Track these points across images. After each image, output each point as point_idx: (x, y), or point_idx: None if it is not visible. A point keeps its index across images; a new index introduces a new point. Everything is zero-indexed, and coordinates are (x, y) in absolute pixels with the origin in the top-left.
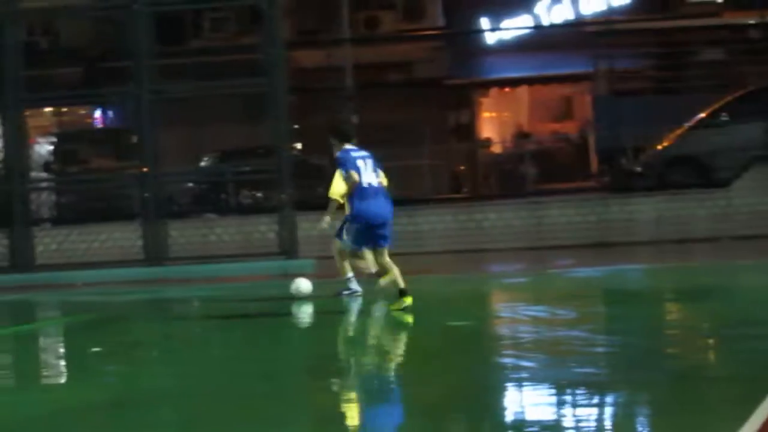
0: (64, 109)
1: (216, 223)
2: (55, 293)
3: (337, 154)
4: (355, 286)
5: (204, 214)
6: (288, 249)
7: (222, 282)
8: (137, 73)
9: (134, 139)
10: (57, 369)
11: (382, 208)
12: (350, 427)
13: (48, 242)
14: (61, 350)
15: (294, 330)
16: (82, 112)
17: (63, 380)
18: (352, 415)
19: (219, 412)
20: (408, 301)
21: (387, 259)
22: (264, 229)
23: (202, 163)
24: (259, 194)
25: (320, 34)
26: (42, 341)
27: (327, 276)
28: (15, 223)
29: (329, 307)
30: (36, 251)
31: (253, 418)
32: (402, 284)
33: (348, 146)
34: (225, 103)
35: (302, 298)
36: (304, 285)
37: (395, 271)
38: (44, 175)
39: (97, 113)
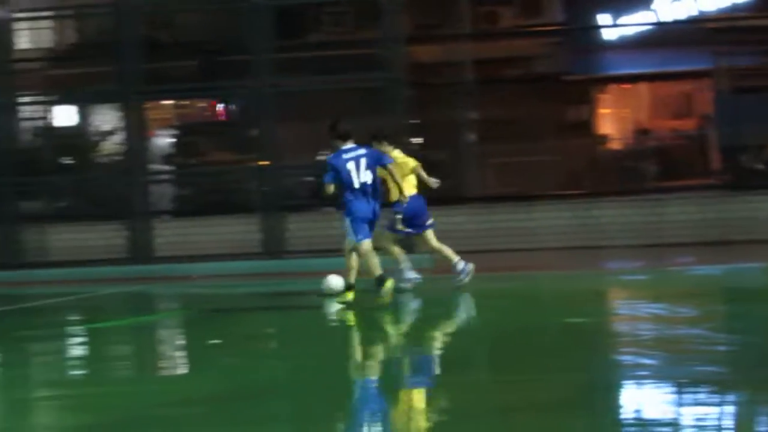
0: (184, 102)
1: (334, 217)
2: (173, 285)
3: (328, 157)
4: (413, 274)
5: (322, 207)
6: (406, 243)
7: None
8: (256, 66)
9: (253, 132)
10: (174, 360)
11: (368, 205)
12: (470, 423)
13: (167, 234)
14: (179, 342)
15: (406, 324)
16: (202, 105)
17: (180, 372)
18: (468, 410)
19: (333, 407)
20: (350, 296)
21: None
22: (382, 223)
23: (320, 157)
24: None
25: (439, 29)
26: (160, 333)
27: (446, 271)
28: (135, 215)
29: (444, 300)
30: (155, 243)
31: (363, 413)
32: (352, 280)
33: (345, 146)
34: (343, 98)
35: (334, 294)
36: (334, 282)
37: (354, 264)
38: (164, 167)
39: (217, 106)
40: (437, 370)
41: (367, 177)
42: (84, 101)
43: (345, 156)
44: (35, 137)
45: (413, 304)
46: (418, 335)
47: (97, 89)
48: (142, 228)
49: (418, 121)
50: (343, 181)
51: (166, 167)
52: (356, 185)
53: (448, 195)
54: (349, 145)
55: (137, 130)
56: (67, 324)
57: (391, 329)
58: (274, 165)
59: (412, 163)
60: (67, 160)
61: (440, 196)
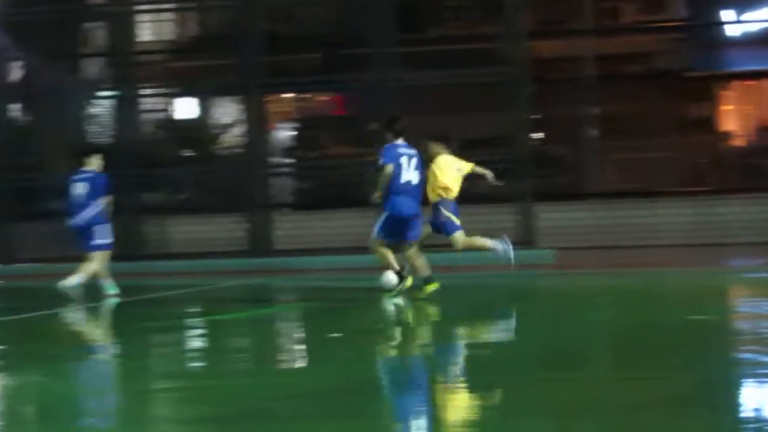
0: (305, 96)
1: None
2: (292, 278)
3: (384, 146)
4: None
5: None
6: (527, 239)
7: (462, 271)
8: (378, 60)
9: (373, 126)
10: (293, 353)
11: (411, 204)
12: (589, 420)
13: (287, 227)
14: (297, 335)
15: (523, 319)
16: (322, 98)
17: (298, 365)
18: (587, 406)
19: (448, 402)
20: (431, 288)
21: (412, 251)
22: (503, 218)
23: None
24: (500, 183)
25: (561, 25)
26: (279, 325)
27: (566, 267)
28: (255, 208)
29: (564, 296)
30: (275, 236)
31: (476, 409)
32: (427, 272)
33: (398, 142)
34: (465, 92)
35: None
36: (389, 278)
37: (420, 263)
38: (284, 160)
39: (337, 100)
40: (555, 366)
41: (412, 176)
42: (205, 94)
43: (399, 150)
44: (156, 129)
45: (531, 299)
46: (535, 330)
47: (219, 82)
48: (262, 221)
49: (539, 117)
50: (393, 170)
51: (287, 160)
52: (402, 179)
53: (568, 190)
54: (401, 142)
55: (258, 123)
56: (187, 316)
57: (507, 324)
58: None
59: (442, 180)
60: (188, 153)
61: (560, 192)
